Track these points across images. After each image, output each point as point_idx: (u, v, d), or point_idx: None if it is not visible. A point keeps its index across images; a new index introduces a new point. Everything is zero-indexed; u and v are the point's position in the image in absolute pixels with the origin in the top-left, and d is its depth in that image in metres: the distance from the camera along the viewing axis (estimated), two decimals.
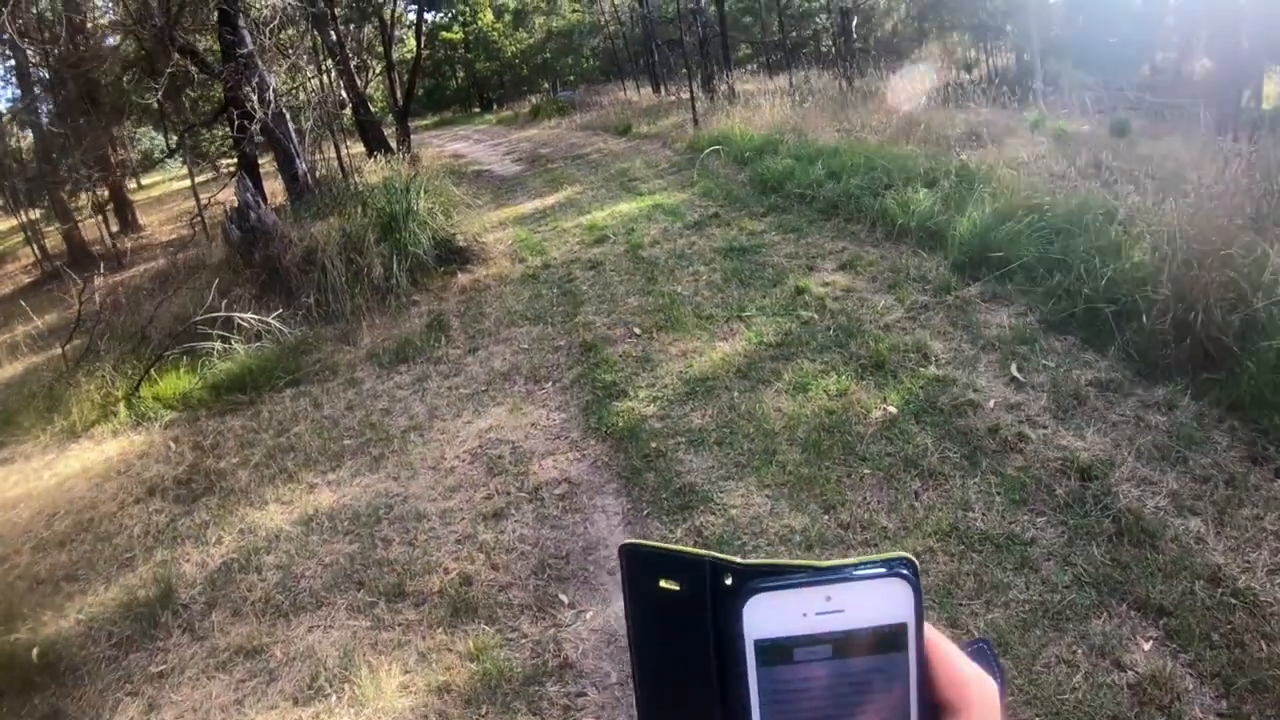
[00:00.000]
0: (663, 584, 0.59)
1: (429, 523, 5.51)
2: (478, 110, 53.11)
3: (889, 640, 0.57)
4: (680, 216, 12.01)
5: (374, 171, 20.07)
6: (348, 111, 24.97)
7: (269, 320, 9.42)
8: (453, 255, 11.70)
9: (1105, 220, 7.33)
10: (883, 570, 0.57)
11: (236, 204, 11.59)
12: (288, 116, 14.69)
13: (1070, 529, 4.47)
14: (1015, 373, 6.10)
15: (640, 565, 0.61)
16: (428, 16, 48.53)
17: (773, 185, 12.43)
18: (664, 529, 5.03)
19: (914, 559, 0.58)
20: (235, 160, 16.56)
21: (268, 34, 15.73)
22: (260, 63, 13.81)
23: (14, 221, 22.80)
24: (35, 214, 22.35)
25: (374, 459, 6.47)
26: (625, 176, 16.48)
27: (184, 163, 22.95)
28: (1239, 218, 6.41)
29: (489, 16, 51.05)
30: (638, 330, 8.08)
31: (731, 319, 7.92)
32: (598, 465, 5.91)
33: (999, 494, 4.83)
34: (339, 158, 19.16)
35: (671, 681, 0.61)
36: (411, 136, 31.87)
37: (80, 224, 21.79)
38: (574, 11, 48.66)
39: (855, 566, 0.57)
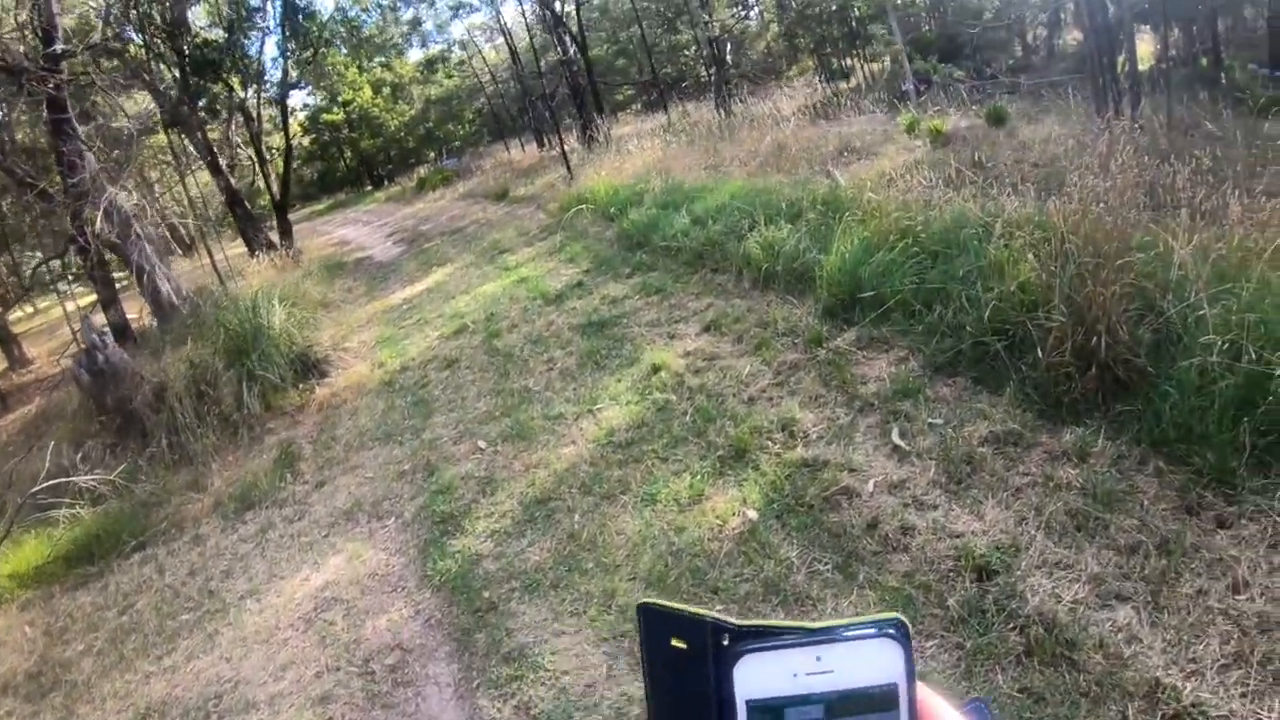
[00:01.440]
0: (674, 642, 0.62)
1: (258, 714, 4.90)
2: (369, 188, 52.51)
3: (880, 701, 0.58)
4: (543, 290, 11.16)
5: (256, 273, 19.34)
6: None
7: (111, 478, 8.79)
8: (310, 369, 10.86)
9: (984, 235, 6.42)
10: (873, 631, 0.59)
11: (84, 345, 10.85)
12: (142, 236, 13.71)
13: (967, 654, 3.61)
14: (897, 439, 5.19)
15: (655, 624, 0.63)
16: (308, 100, 48.02)
17: (638, 240, 11.60)
18: (493, 707, 4.34)
19: (905, 620, 0.59)
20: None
21: (118, 149, 14.81)
22: (107, 184, 12.80)
23: None
24: None
25: (208, 636, 5.87)
26: (496, 248, 15.70)
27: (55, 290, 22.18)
28: (1133, 209, 5.57)
29: (368, 93, 50.28)
30: (482, 443, 7.25)
31: (582, 415, 7.04)
32: (430, 624, 5.22)
33: None
34: (213, 265, 18.18)
35: None
36: (296, 227, 31.02)
37: None
38: (449, 78, 48.05)
39: (845, 627, 0.59)
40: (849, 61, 31.49)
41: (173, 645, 5.90)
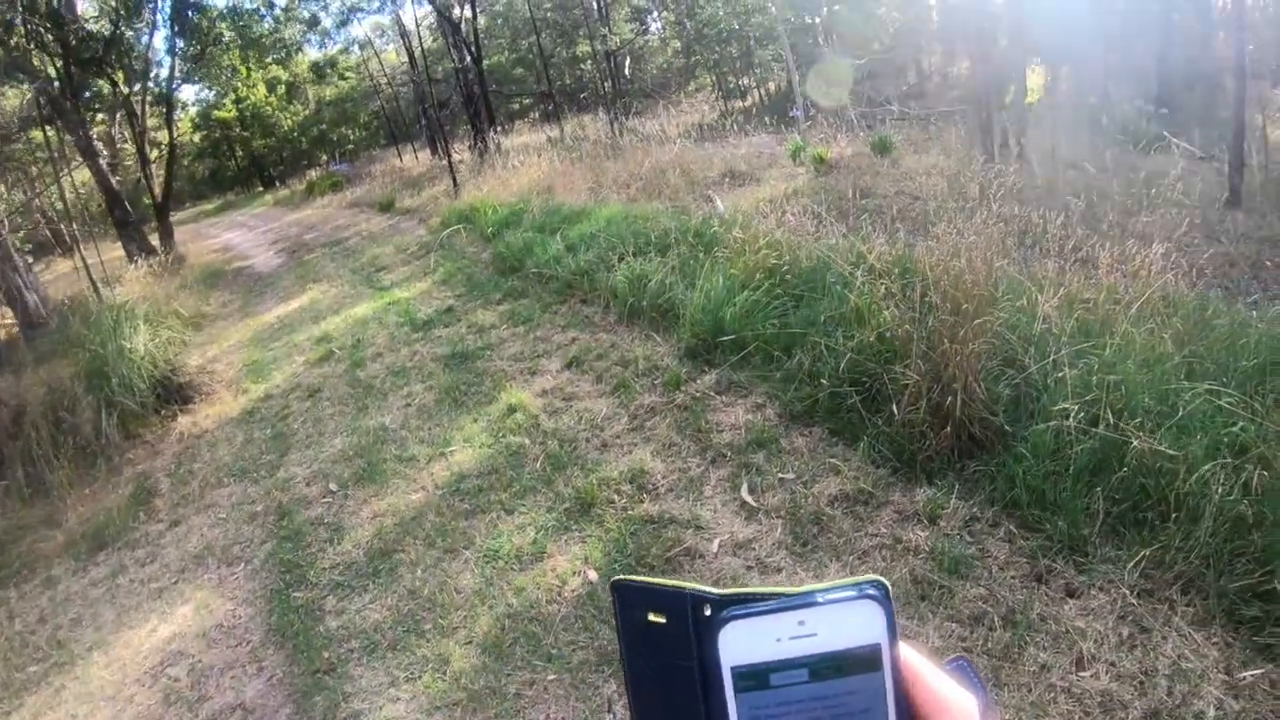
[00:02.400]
0: (651, 617, 0.63)
1: None
2: (260, 189, 51.48)
3: (864, 661, 0.59)
4: (412, 315, 10.87)
5: (134, 279, 18.69)
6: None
7: None
8: (173, 394, 10.33)
9: (847, 280, 6.30)
10: (853, 593, 0.59)
11: None
12: (5, 242, 13.07)
13: None
14: (746, 495, 5.03)
15: (629, 600, 0.65)
16: (200, 95, 46.86)
17: (512, 265, 11.34)
18: None
19: (885, 581, 0.60)
20: None
21: None
22: None
23: None
24: None
25: (55, 691, 5.53)
26: (373, 266, 15.34)
27: None
28: (1003, 256, 5.48)
29: (261, 91, 49.25)
30: (334, 486, 6.96)
31: (435, 457, 6.77)
32: (273, 683, 4.96)
33: None
34: (88, 272, 17.48)
35: (662, 709, 0.63)
36: (182, 228, 30.17)
37: None
38: (344, 79, 47.30)
39: (826, 590, 0.60)
40: (745, 81, 31.63)
41: (20, 700, 5.60)
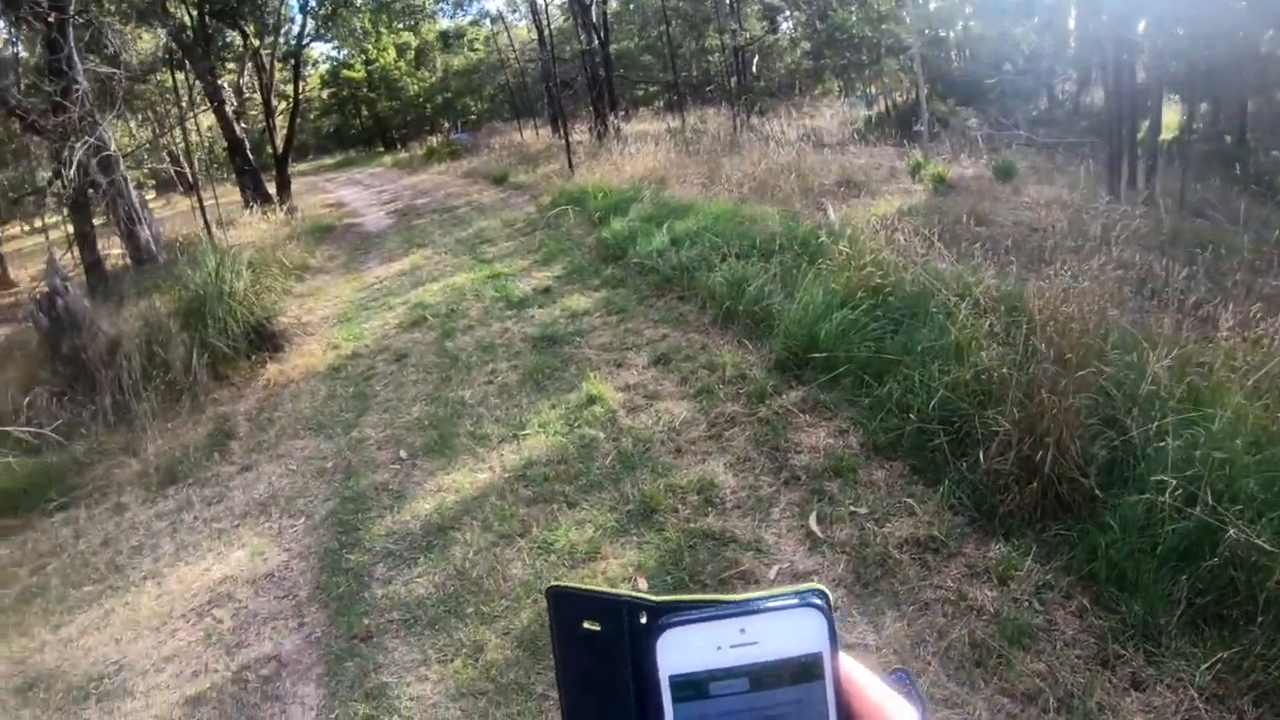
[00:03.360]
0: (586, 625, 0.61)
1: (133, 703, 4.73)
2: (380, 150, 52.20)
3: (805, 670, 0.58)
4: (509, 292, 10.81)
5: (246, 225, 19.05)
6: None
7: (46, 432, 8.51)
8: (266, 342, 10.49)
9: (950, 311, 6.03)
10: (795, 601, 0.59)
11: (46, 288, 10.34)
12: (127, 179, 13.34)
13: None
14: (814, 525, 4.82)
15: (564, 608, 0.63)
16: (331, 53, 47.68)
17: (615, 252, 11.22)
18: None
19: (826, 590, 0.60)
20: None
21: (118, 83, 14.48)
22: (99, 120, 12.44)
23: None
24: None
25: (105, 613, 5.67)
26: (479, 238, 15.32)
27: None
28: (1116, 304, 5.19)
29: (391, 55, 49.92)
30: (404, 453, 6.93)
31: (507, 439, 6.69)
32: (311, 640, 4.97)
33: None
34: (202, 212, 17.78)
35: (594, 717, 0.62)
36: (303, 180, 30.71)
37: None
38: (472, 50, 47.63)
39: (767, 599, 0.59)
40: (872, 90, 31.12)
41: (71, 617, 5.72)
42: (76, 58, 12.68)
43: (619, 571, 4.78)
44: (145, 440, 8.34)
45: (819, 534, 4.73)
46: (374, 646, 4.69)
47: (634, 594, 0.60)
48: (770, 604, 0.58)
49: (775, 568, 4.53)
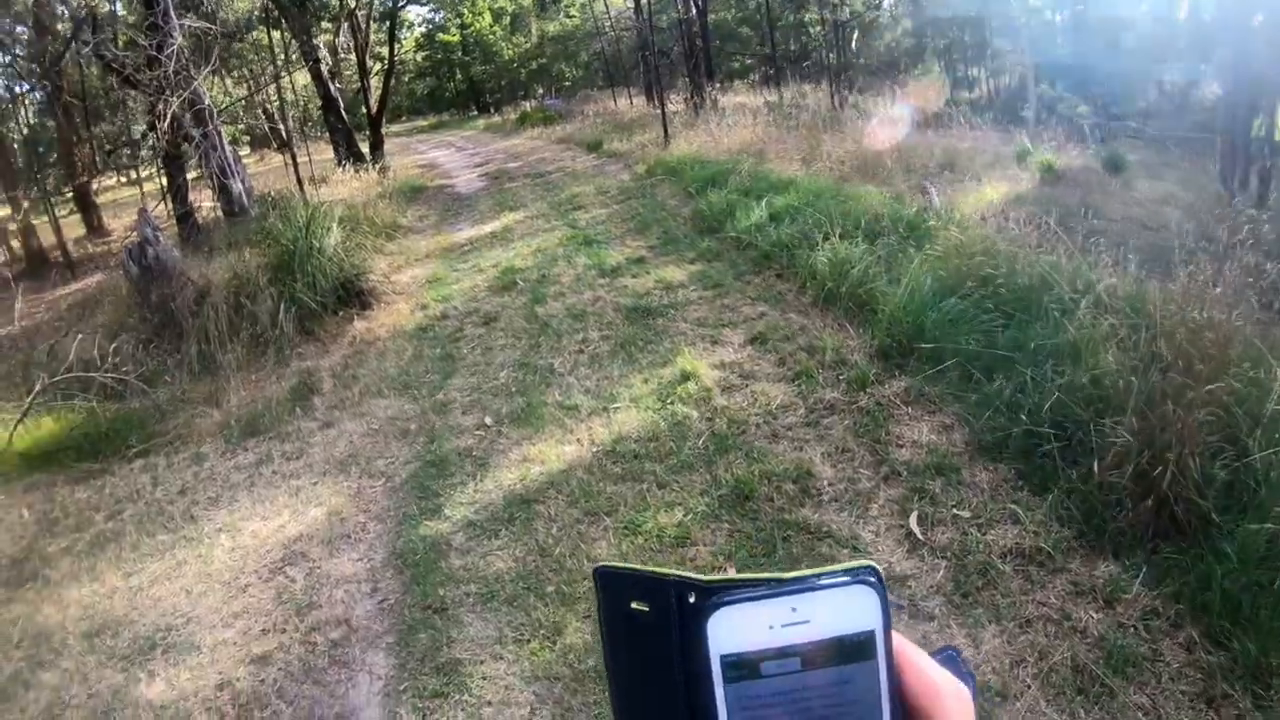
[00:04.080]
0: (633, 605, 0.60)
1: (198, 657, 4.69)
2: (474, 113, 52.60)
3: (858, 649, 0.57)
4: (603, 259, 10.65)
5: (338, 183, 19.21)
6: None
7: (130, 379, 8.60)
8: (354, 298, 10.44)
9: (1067, 308, 5.76)
10: (847, 579, 0.57)
11: (138, 236, 10.56)
12: (221, 133, 13.47)
13: None
14: (914, 526, 4.59)
15: (612, 588, 0.62)
16: (429, 16, 47.95)
17: (711, 225, 10.99)
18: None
19: (877, 567, 0.58)
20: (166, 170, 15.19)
21: (213, 39, 14.68)
22: (195, 74, 12.57)
23: None
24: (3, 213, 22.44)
25: (178, 564, 5.65)
26: (572, 204, 15.15)
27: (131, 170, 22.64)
28: (1240, 314, 4.87)
29: (487, 19, 50.09)
30: (490, 420, 6.80)
31: (597, 411, 6.52)
32: (384, 608, 4.87)
33: None
34: (295, 169, 17.95)
35: (642, 700, 0.61)
36: (395, 141, 30.96)
37: (37, 226, 21.61)
38: (570, 17, 47.53)
39: (819, 576, 0.57)
40: (974, 71, 30.40)
41: (143, 565, 5.71)
42: (172, 13, 12.76)
43: (709, 559, 4.62)
44: (228, 391, 8.40)
45: (919, 535, 4.52)
46: (448, 619, 4.59)
47: (682, 573, 0.59)
48: (822, 581, 0.57)
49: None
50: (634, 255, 10.64)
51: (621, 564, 0.62)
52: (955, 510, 4.69)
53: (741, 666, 0.56)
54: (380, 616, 4.77)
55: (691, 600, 0.57)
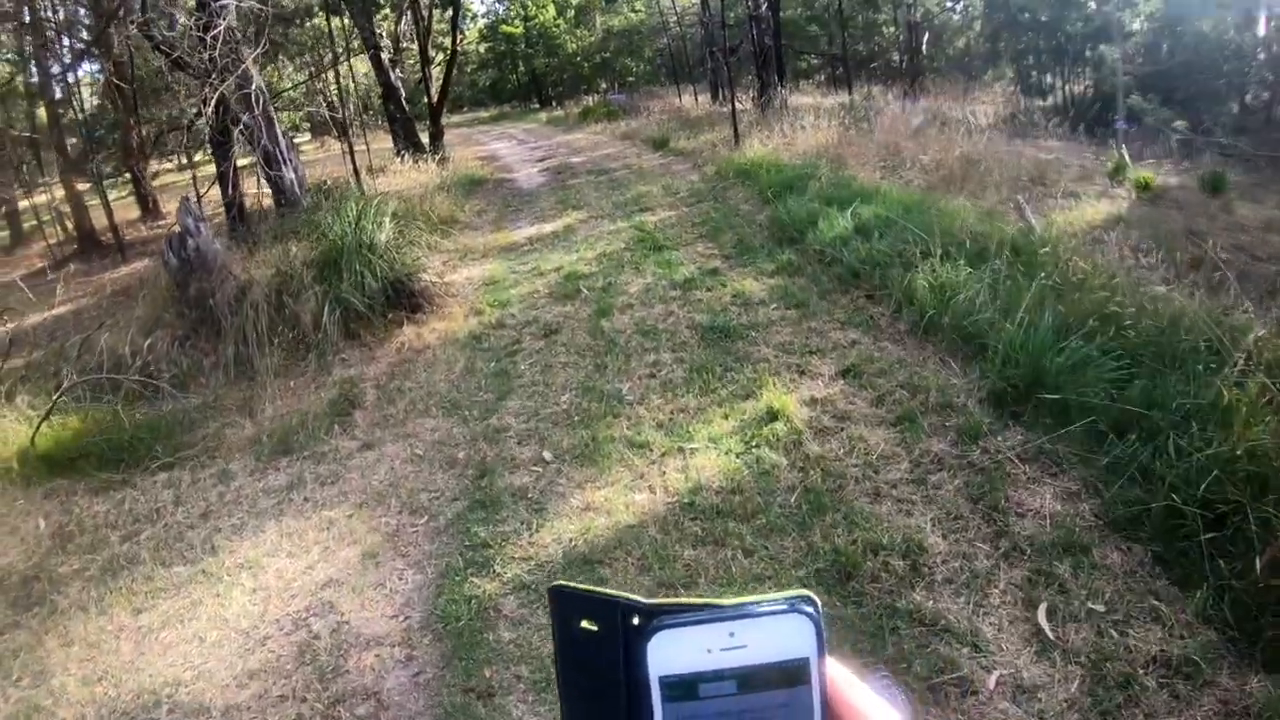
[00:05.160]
0: (584, 624, 0.65)
1: None
2: (536, 106, 52.72)
3: (792, 674, 0.61)
4: (674, 267, 9.98)
5: (397, 173, 18.93)
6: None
7: (161, 385, 8.37)
8: (404, 299, 9.89)
9: (1209, 360, 5.04)
10: (784, 606, 0.62)
11: (178, 228, 10.10)
12: (275, 119, 13.13)
13: None
14: (1043, 621, 3.90)
15: (565, 607, 0.67)
16: (492, 6, 47.96)
17: (791, 235, 10.25)
18: None
19: (814, 596, 0.62)
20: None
21: (264, 21, 14.44)
22: (249, 61, 12.21)
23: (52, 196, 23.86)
24: (59, 194, 23.15)
25: (192, 604, 5.18)
26: (638, 205, 14.51)
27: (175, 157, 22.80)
28: None
29: (551, 12, 49.98)
30: (548, 454, 6.15)
31: (671, 452, 5.84)
32: (419, 683, 4.29)
33: None
34: (351, 158, 17.67)
35: (586, 715, 0.65)
36: (457, 131, 30.85)
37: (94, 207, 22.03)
38: (635, 12, 47.15)
39: (757, 604, 0.62)
40: (1049, 78, 29.45)
41: (156, 601, 5.27)
42: None
43: None
44: (264, 400, 8.00)
45: (1049, 634, 3.83)
46: (493, 708, 3.99)
47: (628, 596, 0.62)
48: (760, 609, 0.60)
49: (995, 674, 3.66)
50: (707, 265, 9.96)
51: (576, 584, 0.66)
52: (1089, 604, 3.98)
53: (680, 687, 0.60)
54: (415, 693, 4.24)
55: (635, 622, 0.61)
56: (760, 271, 9.36)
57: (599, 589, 0.64)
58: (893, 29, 33.05)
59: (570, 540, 5.06)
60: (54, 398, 8.02)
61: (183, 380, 8.59)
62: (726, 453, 5.67)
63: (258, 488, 6.49)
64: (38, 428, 7.75)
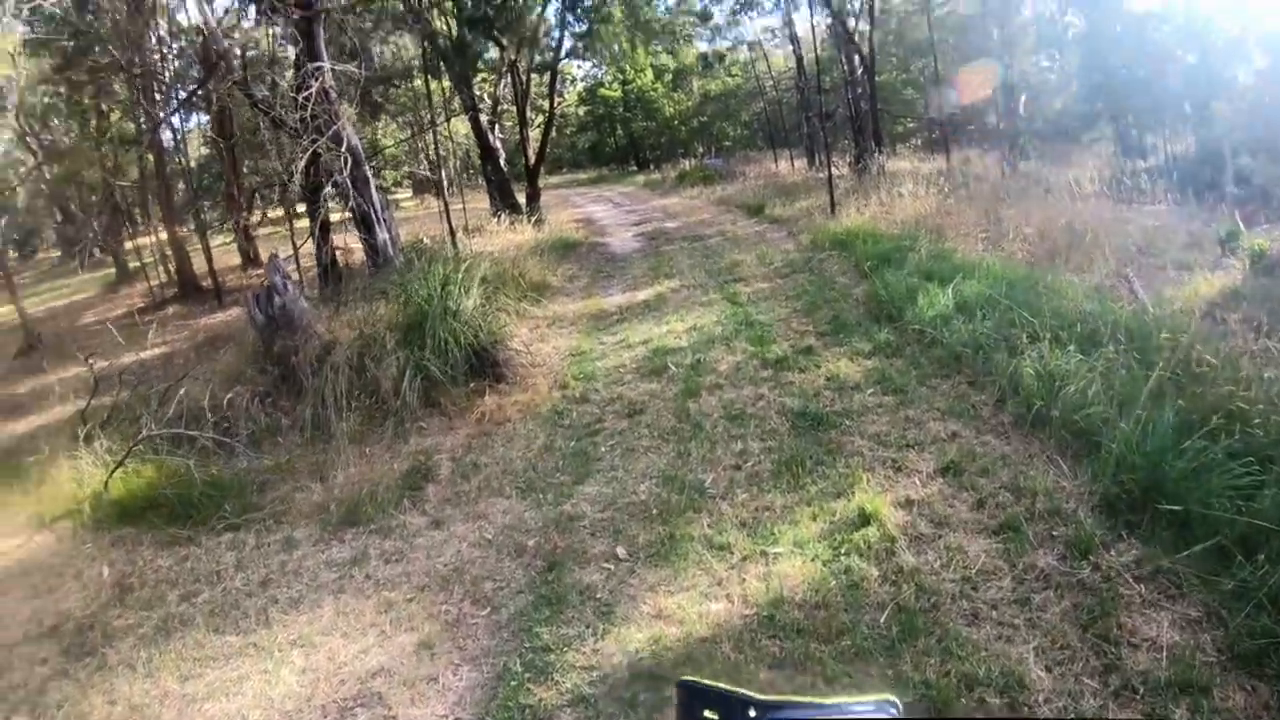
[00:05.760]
0: (707, 714, 0.81)
1: None
2: (634, 168, 53.25)
3: None
4: (766, 344, 9.65)
5: (491, 233, 19.07)
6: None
7: (233, 443, 8.54)
8: (488, 368, 9.75)
9: None
10: (873, 707, 0.81)
11: (265, 284, 10.32)
12: (369, 178, 13.26)
13: None
14: None
15: (691, 698, 0.84)
16: (592, 71, 48.72)
17: (889, 312, 9.88)
18: None
19: (898, 701, 0.82)
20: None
21: (358, 83, 14.79)
22: (346, 122, 12.38)
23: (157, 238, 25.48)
24: (163, 236, 24.81)
25: (238, 678, 5.08)
26: (731, 274, 14.31)
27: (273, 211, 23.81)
28: None
29: (649, 76, 50.47)
30: (622, 550, 5.80)
31: (753, 556, 5.43)
32: None
33: None
34: (447, 218, 17.87)
35: None
36: (555, 192, 31.35)
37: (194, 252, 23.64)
38: (731, 76, 47.32)
39: (852, 703, 0.81)
40: (1150, 138, 28.61)
41: (204, 670, 5.22)
42: (324, 55, 12.86)
43: None
44: (337, 465, 7.89)
45: None
46: None
47: (747, 692, 0.80)
48: (854, 707, 0.79)
49: None
50: (801, 343, 9.63)
51: (700, 679, 0.83)
52: None
53: None
54: None
55: (752, 714, 0.77)
56: (856, 351, 9.00)
57: (719, 684, 0.79)
58: (989, 91, 32.50)
59: (636, 651, 4.70)
60: (130, 446, 8.22)
61: (258, 438, 8.67)
62: (813, 559, 5.26)
63: (320, 559, 6.41)
64: (111, 473, 7.90)
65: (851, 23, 27.56)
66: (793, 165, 33.91)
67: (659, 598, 5.17)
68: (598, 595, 5.31)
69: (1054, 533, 5.17)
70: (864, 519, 5.56)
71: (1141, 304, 8.48)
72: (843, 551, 5.29)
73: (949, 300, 9.20)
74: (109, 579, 6.54)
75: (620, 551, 5.79)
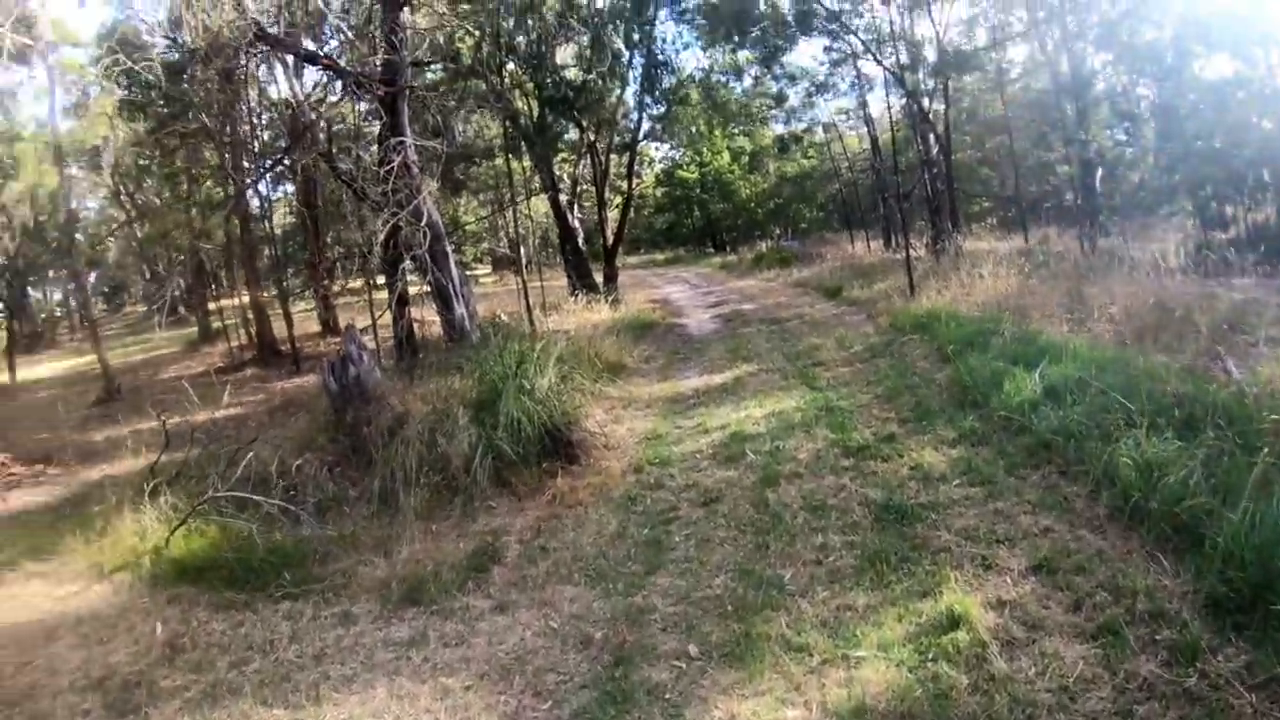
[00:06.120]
0: None
1: None
2: (710, 250, 53.63)
3: None
4: (847, 431, 9.38)
5: (568, 312, 19.23)
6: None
7: (298, 511, 8.56)
8: (560, 449, 9.62)
9: None
10: None
11: (341, 352, 10.47)
12: (448, 253, 13.71)
13: None
14: None
15: None
16: (670, 154, 49.42)
17: (974, 398, 9.59)
18: None
19: None
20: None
21: (439, 159, 15.16)
22: (427, 196, 12.62)
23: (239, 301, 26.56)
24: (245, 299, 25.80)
25: None
26: (810, 358, 14.15)
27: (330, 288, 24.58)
28: None
29: (725, 158, 50.94)
30: (694, 648, 5.51)
31: (833, 660, 5.14)
32: None
33: None
34: (524, 296, 18.14)
35: None
36: (632, 273, 31.67)
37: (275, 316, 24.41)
38: (807, 158, 47.51)
39: None
40: (1229, 209, 27.95)
41: None
42: (407, 130, 13.20)
43: None
44: (402, 541, 7.86)
45: None
46: None
47: None
48: None
49: None
50: (883, 430, 9.36)
51: None
52: None
53: None
54: None
55: None
56: (940, 439, 8.72)
57: None
58: (1065, 167, 32.08)
59: None
60: (195, 505, 8.38)
61: (324, 507, 8.68)
62: (898, 665, 4.96)
63: (378, 637, 6.28)
64: (174, 530, 8.01)
65: (926, 102, 27.55)
66: (869, 246, 33.86)
67: (732, 701, 4.91)
68: (666, 695, 5.07)
69: (1157, 636, 4.83)
70: (953, 621, 5.26)
71: (1238, 384, 8.12)
72: (930, 656, 4.99)
73: (1036, 384, 8.89)
74: (161, 637, 6.54)
75: (692, 649, 5.54)
